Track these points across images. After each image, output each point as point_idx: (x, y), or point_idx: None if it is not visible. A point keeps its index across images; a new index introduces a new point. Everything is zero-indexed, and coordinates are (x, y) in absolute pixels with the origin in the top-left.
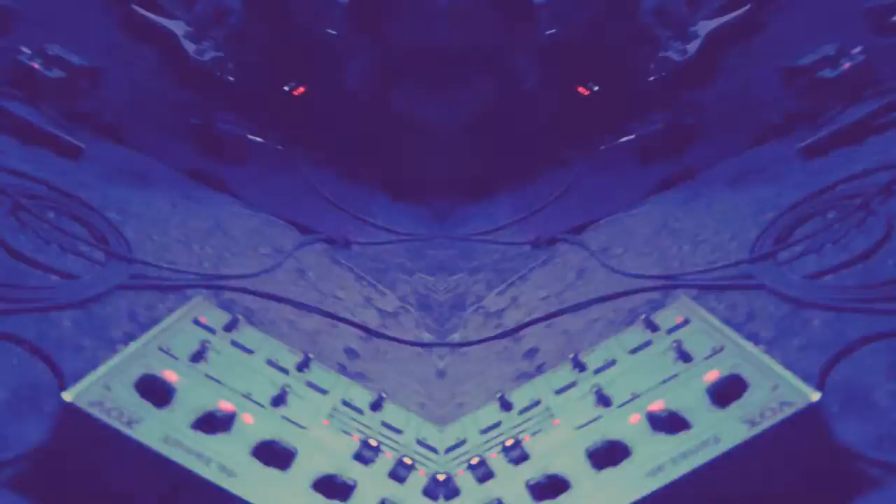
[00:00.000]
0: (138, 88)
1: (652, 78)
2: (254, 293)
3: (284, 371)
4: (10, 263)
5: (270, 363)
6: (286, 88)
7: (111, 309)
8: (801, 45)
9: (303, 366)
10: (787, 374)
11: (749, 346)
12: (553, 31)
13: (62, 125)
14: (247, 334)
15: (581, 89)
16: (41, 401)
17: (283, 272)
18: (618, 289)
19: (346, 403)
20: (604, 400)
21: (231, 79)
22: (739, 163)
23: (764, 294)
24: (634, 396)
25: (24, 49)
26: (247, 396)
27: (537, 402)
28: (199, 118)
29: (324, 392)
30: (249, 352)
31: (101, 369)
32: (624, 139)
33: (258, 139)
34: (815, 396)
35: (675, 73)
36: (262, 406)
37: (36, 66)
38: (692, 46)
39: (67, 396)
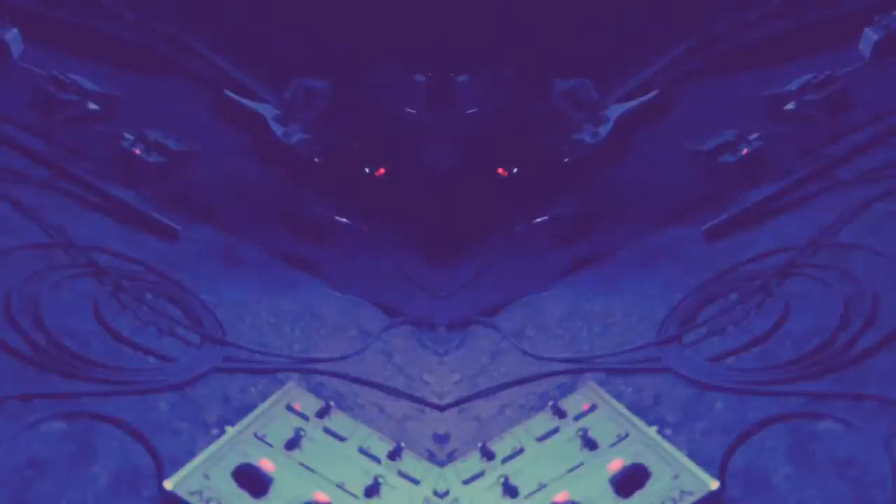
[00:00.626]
0: (230, 171)
1: (566, 160)
2: (344, 377)
3: (377, 460)
4: (111, 346)
5: (363, 451)
6: (367, 170)
7: (205, 391)
8: (705, 130)
9: (395, 454)
10: (688, 462)
11: (652, 432)
12: (474, 110)
13: (161, 208)
14: (339, 421)
15: (501, 171)
16: (139, 485)
17: (370, 354)
18: (529, 372)
19: (437, 494)
20: (510, 491)
21: (317, 160)
22: (649, 244)
23: (670, 377)
24: (541, 487)
25: (127, 135)
26: (340, 487)
27: (446, 493)
28: (288, 200)
29: (416, 482)
30: (342, 439)
31: (200, 457)
32: (537, 220)
33: (344, 220)
34: (714, 485)
35: (587, 156)
36: (356, 497)
37: (137, 151)
38: (603, 129)
39: (168, 485)
